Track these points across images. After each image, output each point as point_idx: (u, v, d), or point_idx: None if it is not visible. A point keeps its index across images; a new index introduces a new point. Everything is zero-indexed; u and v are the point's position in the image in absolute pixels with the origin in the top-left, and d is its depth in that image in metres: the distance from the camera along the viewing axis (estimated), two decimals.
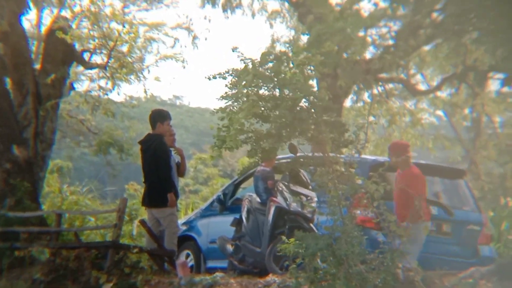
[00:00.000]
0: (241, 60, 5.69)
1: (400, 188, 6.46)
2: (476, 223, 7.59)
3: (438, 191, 7.74)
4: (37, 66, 11.82)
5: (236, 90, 5.56)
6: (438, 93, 16.14)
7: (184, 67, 12.55)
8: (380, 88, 13.17)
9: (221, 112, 5.59)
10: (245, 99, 5.53)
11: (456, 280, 5.55)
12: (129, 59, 11.81)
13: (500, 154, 16.47)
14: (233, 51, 5.75)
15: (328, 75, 10.76)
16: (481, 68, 12.19)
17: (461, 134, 17.05)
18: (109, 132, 13.52)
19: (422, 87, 15.99)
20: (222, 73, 5.69)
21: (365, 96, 13.79)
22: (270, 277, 6.24)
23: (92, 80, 13.37)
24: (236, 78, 5.61)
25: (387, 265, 5.33)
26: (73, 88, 12.91)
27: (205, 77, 5.78)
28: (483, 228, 7.64)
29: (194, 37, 12.95)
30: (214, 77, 5.69)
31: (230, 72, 5.67)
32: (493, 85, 15.65)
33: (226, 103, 5.62)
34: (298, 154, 6.15)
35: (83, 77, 14.02)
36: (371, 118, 13.82)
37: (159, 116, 7.94)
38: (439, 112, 18.33)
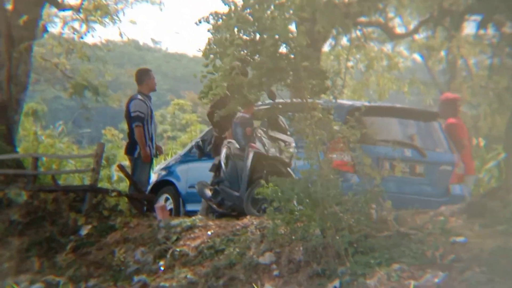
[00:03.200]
0: (224, 1, 5.60)
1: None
2: (448, 164, 7.80)
3: (412, 133, 7.89)
4: (9, 7, 11.45)
5: (220, 35, 5.50)
6: (416, 36, 16.15)
7: (161, 10, 12.32)
8: (358, 32, 13.11)
9: (205, 58, 5.54)
10: (229, 44, 5.48)
11: (427, 218, 5.74)
12: (104, 1, 11.52)
13: (473, 96, 16.74)
14: None
15: (306, 19, 10.64)
16: (457, 10, 12.18)
17: (437, 77, 17.20)
18: (84, 74, 13.32)
19: (399, 30, 15.97)
20: (206, 17, 5.60)
21: (344, 40, 13.76)
22: (248, 219, 6.38)
23: (65, 22, 13.04)
24: (220, 22, 5.52)
25: (361, 206, 5.49)
26: (47, 30, 12.60)
27: (194, 23, 5.68)
28: (455, 168, 7.85)
29: None
30: (200, 22, 5.60)
31: (214, 16, 5.58)
32: (469, 27, 15.68)
33: (209, 48, 5.56)
34: (276, 101, 6.19)
35: (56, 19, 13.66)
36: (349, 63, 13.83)
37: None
38: (416, 56, 18.40)
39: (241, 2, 5.56)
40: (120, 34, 11.42)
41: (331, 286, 4.92)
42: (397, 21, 17.13)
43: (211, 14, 5.55)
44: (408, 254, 5.09)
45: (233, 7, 5.50)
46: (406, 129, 7.97)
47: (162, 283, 5.72)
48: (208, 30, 5.54)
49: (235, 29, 5.46)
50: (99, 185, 9.14)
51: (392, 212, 5.63)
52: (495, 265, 4.62)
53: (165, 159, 11.63)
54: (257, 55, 5.59)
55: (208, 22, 5.53)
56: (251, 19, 5.48)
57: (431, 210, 6.11)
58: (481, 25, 12.82)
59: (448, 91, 16.55)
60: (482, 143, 14.60)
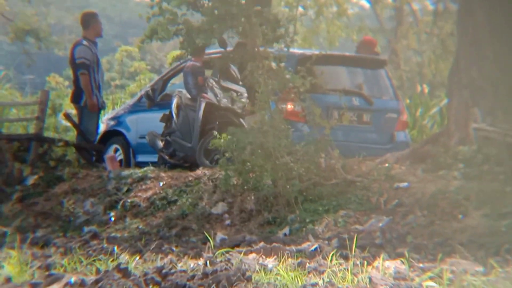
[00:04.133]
0: None
1: None
2: (393, 111, 7.97)
3: (360, 82, 7.99)
4: None
5: None
6: None
7: None
8: None
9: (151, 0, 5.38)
10: None
11: (373, 165, 5.91)
12: None
13: (419, 43, 17.01)
14: None
15: None
16: None
17: (384, 24, 17.33)
18: (25, 18, 12.68)
19: None
20: None
21: None
22: (201, 170, 6.40)
23: None
24: None
25: (311, 155, 5.60)
26: None
27: None
28: (400, 116, 8.05)
29: None
30: None
31: None
32: None
33: None
34: (227, 49, 6.12)
35: None
36: (300, 9, 13.71)
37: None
38: (363, 2, 18.39)
39: None
40: None
41: (281, 233, 5.08)
42: None
43: None
44: (354, 200, 5.31)
45: None
46: (354, 77, 8.06)
47: (113, 234, 5.71)
48: None
49: None
50: (45, 134, 8.90)
51: (340, 160, 5.77)
52: (435, 208, 4.87)
53: (113, 109, 11.40)
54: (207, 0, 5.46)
55: None
56: None
57: (377, 157, 6.29)
58: None
59: (394, 38, 16.77)
60: (426, 90, 14.98)
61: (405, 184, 5.36)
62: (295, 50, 7.62)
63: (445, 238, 4.31)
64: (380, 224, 4.83)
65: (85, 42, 7.87)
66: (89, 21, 7.97)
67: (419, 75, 16.04)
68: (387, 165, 5.84)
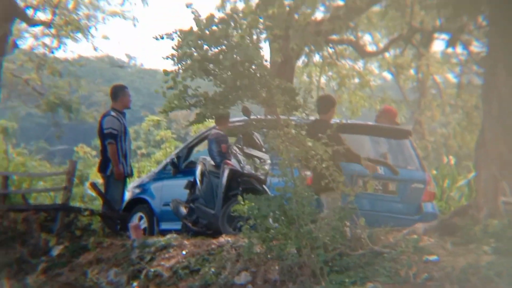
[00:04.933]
0: (194, 18, 5.64)
1: None
2: (420, 182, 7.88)
3: (384, 151, 7.98)
4: None
5: (181, 51, 5.53)
6: (386, 55, 16.42)
7: (134, 25, 12.33)
8: (330, 50, 13.29)
9: (165, 74, 5.57)
10: (188, 60, 5.52)
11: (400, 236, 5.78)
12: (75, 16, 11.44)
13: (443, 115, 17.06)
14: (187, 7, 5.67)
15: (279, 36, 10.75)
16: (426, 29, 12.45)
17: (407, 95, 17.50)
18: (56, 92, 13.17)
19: (370, 48, 16.22)
20: (169, 34, 5.63)
21: (316, 57, 13.91)
22: (224, 238, 6.34)
23: (36, 37, 12.90)
24: (181, 39, 5.56)
25: (335, 224, 5.51)
26: (17, 46, 12.44)
27: (153, 37, 5.73)
28: (427, 186, 7.95)
29: None
30: (162, 37, 5.63)
31: (178, 34, 5.62)
32: (438, 46, 16.05)
33: (172, 65, 5.60)
34: (251, 117, 6.21)
35: (26, 35, 13.51)
36: (322, 80, 13.99)
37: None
38: (386, 74, 18.69)
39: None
40: (94, 48, 11.38)
41: None
42: (368, 39, 17.45)
43: (174, 31, 5.60)
44: (382, 272, 5.12)
45: (195, 26, 5.55)
46: (378, 146, 8.06)
47: None
48: (172, 47, 5.57)
49: (198, 43, 5.50)
50: (71, 204, 9.00)
51: (366, 230, 5.66)
52: (466, 283, 4.69)
53: (139, 177, 11.52)
54: (223, 71, 5.61)
55: (172, 39, 5.58)
56: (216, 36, 5.52)
57: (404, 228, 6.17)
58: (449, 43, 13.14)
59: (418, 109, 16.87)
60: (453, 161, 14.85)
61: (435, 257, 5.22)
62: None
63: None
64: None
65: (113, 113, 8.09)
66: (118, 93, 8.24)
67: (444, 146, 15.98)
68: (415, 236, 5.70)
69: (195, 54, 5.51)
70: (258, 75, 5.61)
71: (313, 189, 5.59)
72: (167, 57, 5.57)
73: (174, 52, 5.55)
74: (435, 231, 5.93)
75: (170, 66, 5.60)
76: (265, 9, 7.53)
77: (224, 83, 5.57)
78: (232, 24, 5.65)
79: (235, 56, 5.53)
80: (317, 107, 6.92)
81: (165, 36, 5.61)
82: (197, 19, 5.59)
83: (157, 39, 5.64)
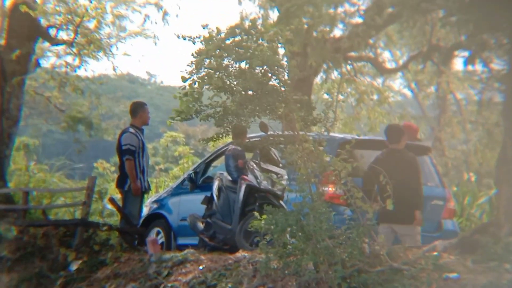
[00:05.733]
0: (210, 31, 5.69)
1: None
2: (440, 198, 7.79)
3: None
4: (2, 42, 11.55)
5: (200, 59, 5.58)
6: (406, 71, 16.38)
7: (155, 44, 12.46)
8: (348, 67, 13.29)
9: (182, 81, 5.61)
10: (205, 69, 5.55)
11: (420, 253, 5.71)
12: (97, 36, 11.62)
13: (464, 132, 16.90)
14: (203, 28, 5.73)
15: (297, 53, 10.79)
16: (446, 46, 12.39)
17: (427, 112, 17.39)
18: (77, 108, 13.35)
19: (390, 65, 16.20)
20: (192, 37, 5.68)
21: (334, 74, 13.91)
22: (240, 253, 6.31)
23: (58, 56, 13.11)
24: (204, 45, 5.61)
25: (353, 240, 5.45)
26: (39, 65, 12.66)
27: (174, 34, 5.79)
28: (447, 203, 7.85)
29: (165, 13, 12.74)
30: (184, 38, 5.68)
31: (201, 39, 5.66)
32: (458, 63, 15.96)
33: (189, 74, 5.65)
34: (268, 133, 6.21)
35: (49, 53, 13.72)
36: (340, 97, 13.98)
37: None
38: (405, 91, 18.61)
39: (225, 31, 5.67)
40: (114, 68, 11.47)
41: None
42: (387, 56, 17.42)
43: (197, 35, 5.64)
44: None
45: (214, 33, 5.59)
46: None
47: None
48: (192, 54, 5.62)
49: (215, 55, 5.54)
50: (90, 219, 9.06)
51: (385, 246, 5.59)
52: None
53: (157, 192, 11.57)
54: (244, 83, 5.63)
55: (194, 43, 5.62)
56: (236, 48, 5.55)
57: (423, 245, 6.09)
58: (469, 61, 13.02)
59: (438, 126, 16.74)
60: (473, 178, 14.66)
61: (455, 275, 5.12)
62: (336, 135, 7.70)
63: None
64: None
65: (131, 130, 8.17)
66: (137, 110, 8.32)
67: (465, 163, 15.80)
68: (435, 253, 5.62)
69: (212, 63, 5.55)
70: (283, 89, 5.62)
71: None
72: (187, 65, 5.62)
73: (193, 59, 5.60)
74: (456, 249, 5.84)
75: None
76: (287, 23, 7.55)
77: (244, 89, 5.56)
78: (253, 31, 5.68)
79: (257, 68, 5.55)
80: (387, 137, 6.91)
81: (187, 38, 5.66)
82: (218, 29, 5.63)
83: (178, 37, 5.69)
